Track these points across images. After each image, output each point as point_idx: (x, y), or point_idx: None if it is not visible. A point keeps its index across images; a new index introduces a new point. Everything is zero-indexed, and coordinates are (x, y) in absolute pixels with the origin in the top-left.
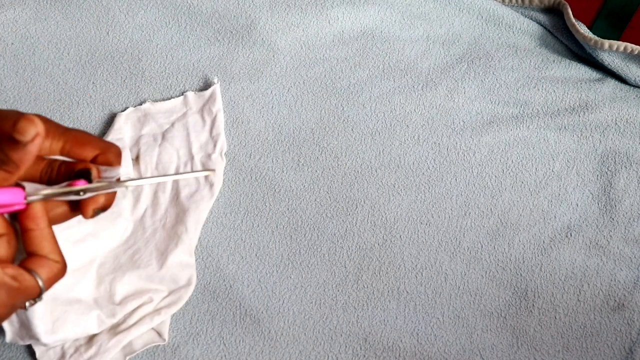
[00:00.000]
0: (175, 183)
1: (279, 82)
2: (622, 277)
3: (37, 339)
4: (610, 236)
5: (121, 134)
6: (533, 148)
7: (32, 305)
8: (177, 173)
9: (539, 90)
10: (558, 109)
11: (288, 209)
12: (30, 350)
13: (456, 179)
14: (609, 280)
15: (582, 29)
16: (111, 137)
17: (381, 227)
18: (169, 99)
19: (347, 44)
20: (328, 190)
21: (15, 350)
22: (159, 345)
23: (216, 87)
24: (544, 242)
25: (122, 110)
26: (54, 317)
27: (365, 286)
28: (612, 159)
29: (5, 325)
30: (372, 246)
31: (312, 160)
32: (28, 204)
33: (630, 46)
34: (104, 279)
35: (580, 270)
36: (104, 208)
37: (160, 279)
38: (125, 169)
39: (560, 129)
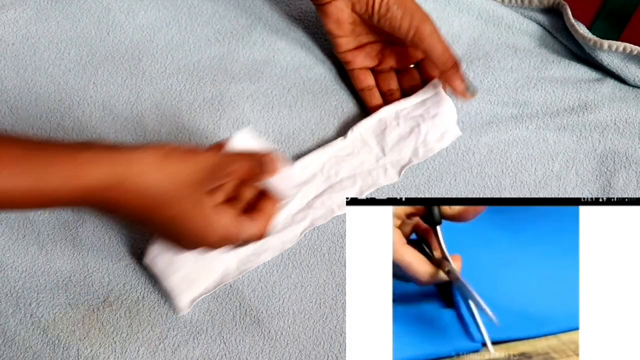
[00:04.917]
0: None
1: (279, 82)
2: None
3: None
4: None
5: None
6: (532, 148)
7: None
8: None
9: (538, 90)
10: (557, 109)
11: None
12: (29, 350)
13: (456, 179)
14: None
15: (582, 29)
16: None
17: None
18: (169, 99)
19: None
20: None
21: (15, 349)
22: (159, 344)
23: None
24: None
25: (123, 110)
26: None
27: None
28: (611, 159)
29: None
30: None
31: None
32: None
33: (630, 46)
34: None
35: None
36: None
37: None
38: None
39: (559, 129)
